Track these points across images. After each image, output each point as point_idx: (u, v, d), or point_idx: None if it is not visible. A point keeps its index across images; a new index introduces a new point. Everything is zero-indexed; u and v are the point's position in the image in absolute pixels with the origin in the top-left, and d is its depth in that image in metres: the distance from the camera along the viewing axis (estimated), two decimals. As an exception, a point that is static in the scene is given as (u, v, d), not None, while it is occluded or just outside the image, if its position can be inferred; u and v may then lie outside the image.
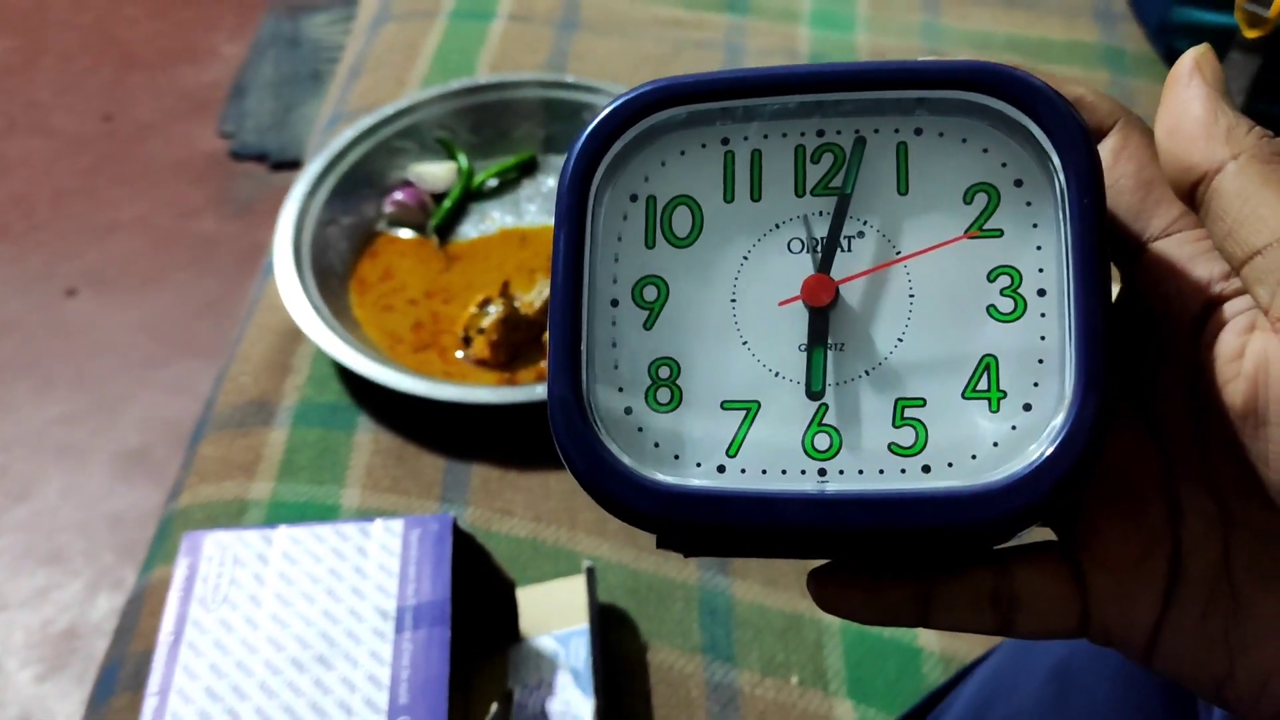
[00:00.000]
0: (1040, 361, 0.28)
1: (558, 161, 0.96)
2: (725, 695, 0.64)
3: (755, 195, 0.30)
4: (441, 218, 0.90)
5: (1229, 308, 0.27)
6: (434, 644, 0.57)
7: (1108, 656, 0.46)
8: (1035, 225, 0.28)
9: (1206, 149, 0.26)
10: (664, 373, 0.29)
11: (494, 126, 0.96)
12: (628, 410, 0.29)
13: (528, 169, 0.95)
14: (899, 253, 0.29)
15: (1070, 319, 0.27)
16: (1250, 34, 0.85)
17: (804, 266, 0.29)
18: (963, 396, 0.28)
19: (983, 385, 0.28)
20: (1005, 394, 0.28)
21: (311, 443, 0.76)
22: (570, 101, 0.96)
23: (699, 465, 0.29)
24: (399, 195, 0.89)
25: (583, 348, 0.29)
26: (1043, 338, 0.28)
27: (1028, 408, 0.28)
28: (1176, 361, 0.28)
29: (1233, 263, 0.26)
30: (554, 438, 0.29)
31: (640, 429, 0.29)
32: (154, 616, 0.66)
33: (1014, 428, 0.28)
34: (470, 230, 0.90)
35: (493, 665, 0.64)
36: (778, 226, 0.30)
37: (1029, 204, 0.29)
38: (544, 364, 0.80)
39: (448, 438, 0.76)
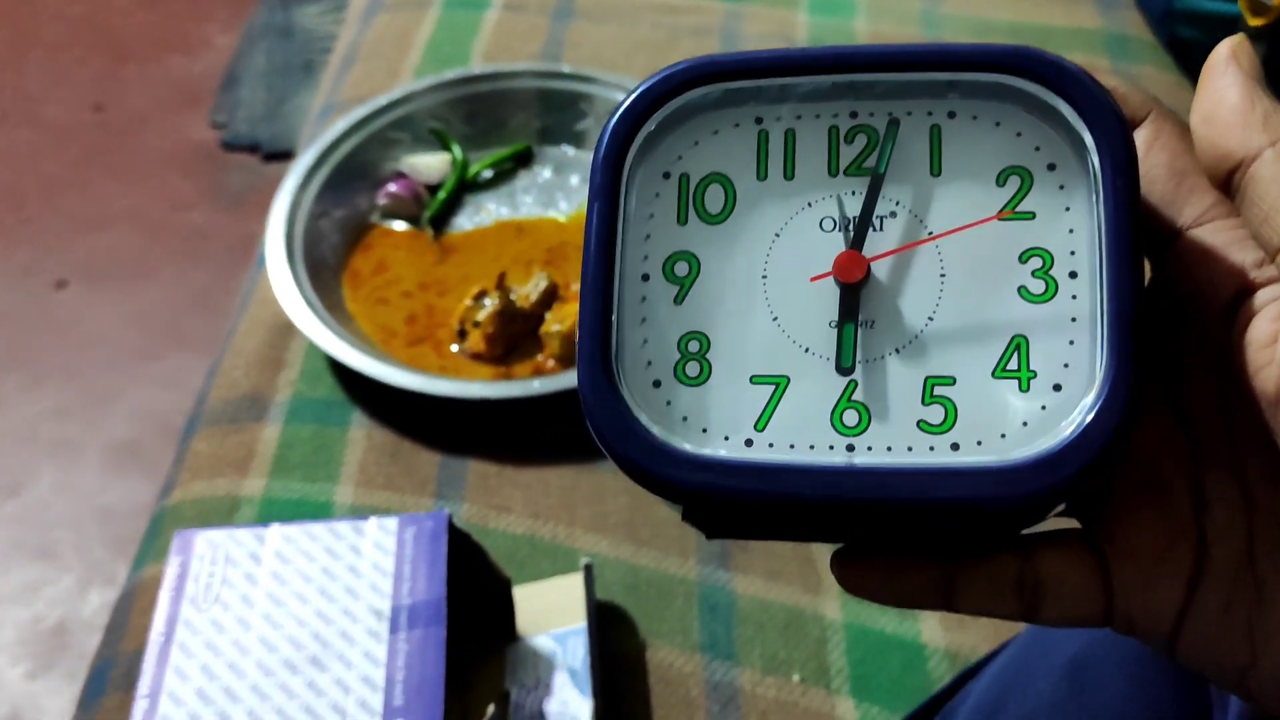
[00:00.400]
0: (1071, 343, 0.28)
1: (553, 152, 0.95)
2: (725, 694, 0.63)
3: (788, 174, 0.30)
4: (436, 209, 0.88)
5: (1262, 295, 0.26)
6: (429, 644, 0.56)
7: (1123, 651, 0.46)
8: (1068, 209, 0.29)
9: (1243, 136, 0.26)
10: (693, 347, 0.29)
11: (489, 117, 0.95)
12: (656, 383, 0.29)
13: (523, 160, 0.94)
14: (931, 232, 0.29)
15: (1102, 301, 0.27)
16: (1254, 22, 0.84)
17: (836, 244, 0.29)
18: (993, 375, 0.28)
19: (1013, 365, 0.28)
20: (1035, 374, 0.28)
21: (305, 439, 0.75)
22: (566, 91, 0.94)
23: (727, 439, 0.29)
24: (392, 187, 0.88)
25: (613, 320, 0.29)
26: (1074, 319, 0.28)
27: (1058, 388, 0.28)
28: (1207, 349, 0.29)
29: (1268, 249, 0.26)
30: (583, 408, 0.29)
31: (669, 402, 0.29)
32: (145, 615, 0.65)
33: (1044, 407, 0.28)
34: (465, 222, 0.89)
35: (489, 665, 0.63)
36: (810, 205, 0.30)
37: (1062, 187, 0.29)
38: (540, 358, 0.79)
39: (443, 433, 0.75)
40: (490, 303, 0.78)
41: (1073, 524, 0.31)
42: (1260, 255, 0.27)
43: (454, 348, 0.79)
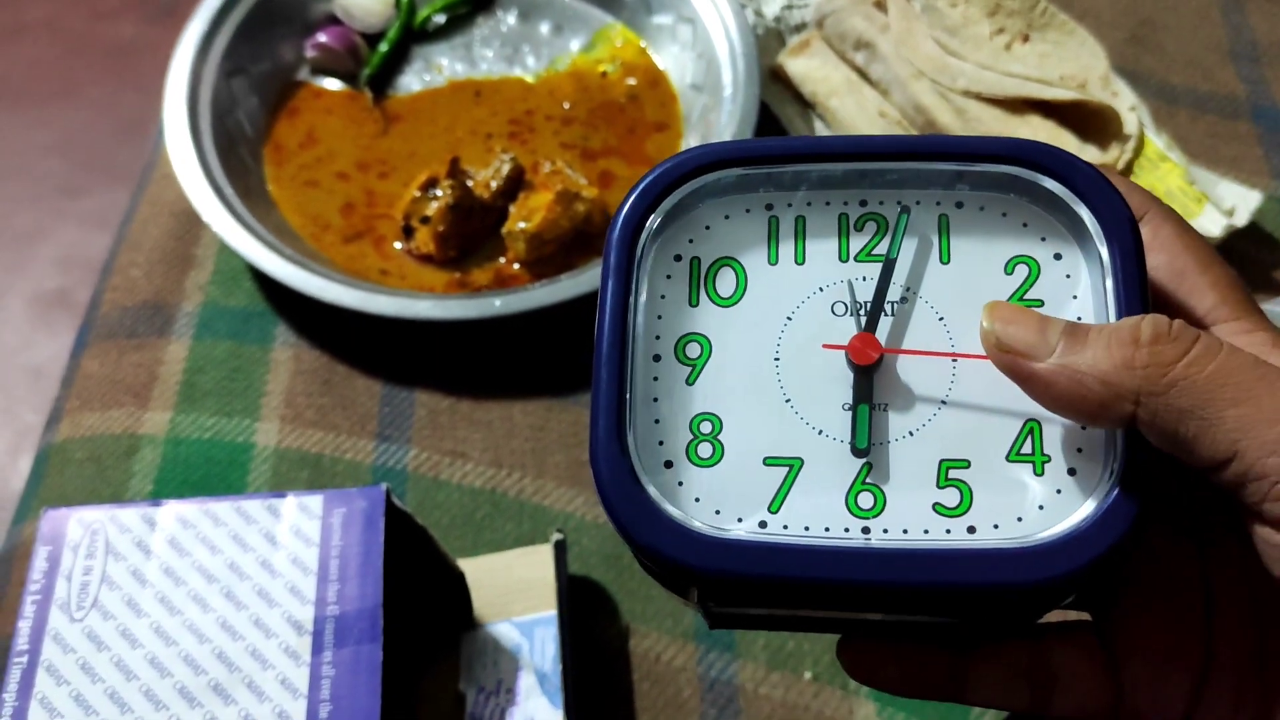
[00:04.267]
0: (1084, 427, 0.28)
1: (520, -8, 0.78)
2: (723, 694, 0.53)
3: (799, 259, 0.31)
4: (376, 66, 0.73)
5: None
6: (362, 668, 0.45)
7: None
8: (1075, 297, 0.29)
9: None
10: (706, 428, 0.30)
11: (440, -55, 0.77)
12: (668, 464, 0.29)
13: (482, 2, 0.77)
14: (942, 319, 0.30)
15: None
16: None
17: (848, 328, 0.30)
18: (1007, 459, 0.28)
19: (1027, 449, 0.28)
20: (1049, 458, 0.28)
21: (219, 360, 0.62)
22: (536, -86, 0.77)
23: (740, 520, 0.29)
24: (323, 36, 0.72)
25: (628, 399, 0.29)
26: None
27: (1072, 472, 0.28)
28: None
29: None
30: (597, 485, 0.29)
31: (681, 483, 0.29)
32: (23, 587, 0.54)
33: (1059, 491, 0.28)
34: (412, 82, 0.73)
35: (440, 661, 0.52)
36: (821, 290, 0.31)
37: (1068, 276, 0.30)
38: (502, 261, 0.65)
39: (386, 356, 0.62)
40: (441, 193, 0.64)
41: (1082, 615, 0.31)
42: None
43: (398, 245, 0.65)
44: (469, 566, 0.54)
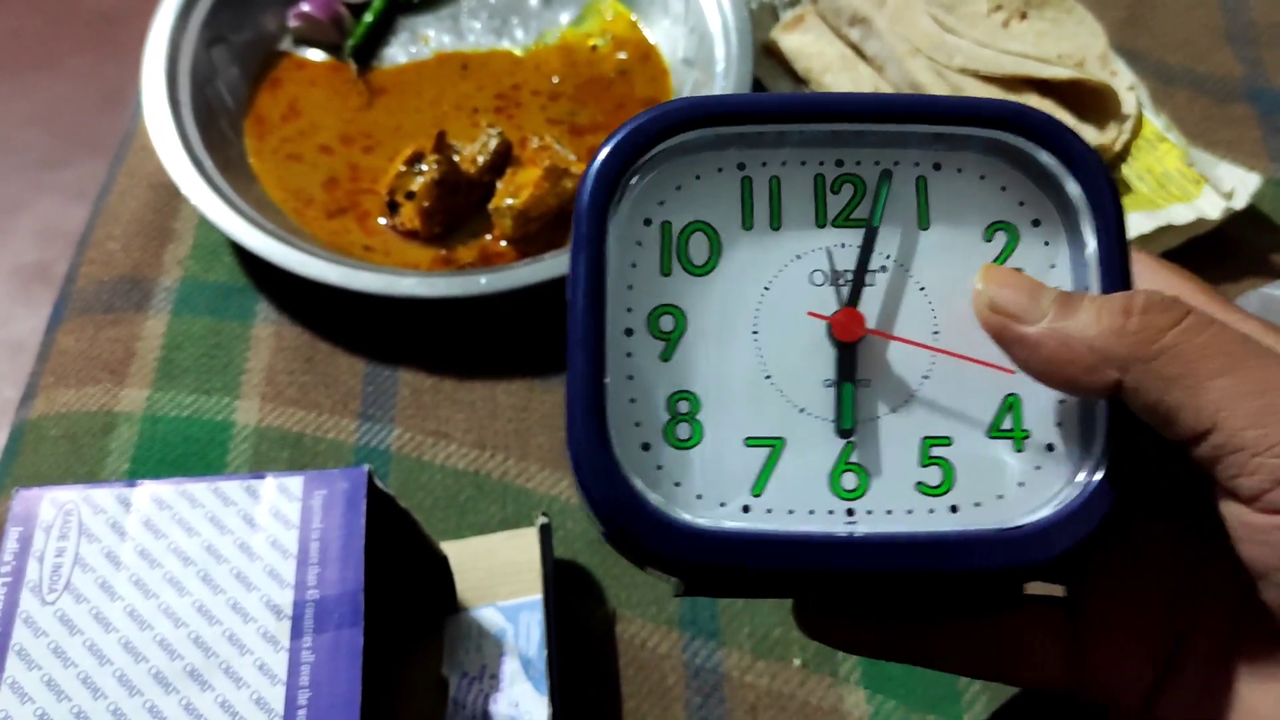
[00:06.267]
0: (1061, 402, 0.28)
1: (509, -37, 0.76)
2: (709, 682, 0.52)
3: (775, 224, 0.29)
4: (361, 36, 0.71)
5: None
6: (342, 654, 0.44)
7: None
8: (1053, 266, 0.29)
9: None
10: (683, 407, 0.28)
11: (427, -87, 0.76)
12: (646, 446, 0.28)
13: (471, -28, 0.76)
14: (923, 289, 0.29)
15: None
16: None
17: (827, 299, 0.29)
18: (988, 435, 0.28)
19: (1007, 424, 0.28)
20: (1029, 433, 0.28)
21: (198, 336, 0.61)
22: (525, -118, 0.75)
23: (723, 505, 0.28)
24: (306, 6, 0.70)
25: (605, 380, 0.28)
26: None
27: (1051, 448, 0.28)
28: None
29: None
30: (574, 476, 0.27)
31: (660, 466, 0.28)
32: (-3, 568, 0.52)
33: (1038, 468, 0.28)
34: (398, 53, 0.72)
35: (422, 646, 0.51)
36: (799, 257, 0.29)
37: (1046, 244, 0.29)
38: (489, 238, 0.64)
39: (369, 334, 0.61)
40: (427, 168, 0.62)
41: (1055, 590, 0.32)
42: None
43: (382, 221, 0.64)
44: (452, 549, 0.53)
